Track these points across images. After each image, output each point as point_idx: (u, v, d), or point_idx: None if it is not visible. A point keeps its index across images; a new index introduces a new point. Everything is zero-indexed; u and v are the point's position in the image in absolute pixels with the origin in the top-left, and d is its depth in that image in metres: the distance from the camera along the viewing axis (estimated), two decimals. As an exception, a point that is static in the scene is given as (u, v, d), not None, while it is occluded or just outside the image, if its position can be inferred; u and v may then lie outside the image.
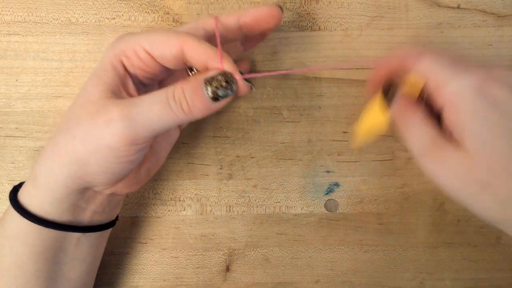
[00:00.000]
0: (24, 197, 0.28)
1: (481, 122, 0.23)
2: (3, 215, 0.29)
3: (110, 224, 0.32)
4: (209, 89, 0.25)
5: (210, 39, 0.29)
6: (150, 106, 0.25)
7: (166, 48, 0.27)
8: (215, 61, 0.26)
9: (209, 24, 0.29)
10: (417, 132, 0.26)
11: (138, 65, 0.28)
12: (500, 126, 0.23)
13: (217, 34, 0.28)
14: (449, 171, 0.25)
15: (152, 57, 0.27)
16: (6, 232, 0.28)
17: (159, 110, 0.25)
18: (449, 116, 0.24)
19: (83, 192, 0.28)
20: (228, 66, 0.26)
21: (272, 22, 0.29)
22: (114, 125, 0.25)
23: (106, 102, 0.26)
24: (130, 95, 0.28)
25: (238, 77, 0.26)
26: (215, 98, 0.26)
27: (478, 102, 0.23)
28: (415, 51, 0.27)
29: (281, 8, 0.29)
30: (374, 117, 0.30)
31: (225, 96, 0.26)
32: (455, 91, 0.24)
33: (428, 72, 0.26)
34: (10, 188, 0.36)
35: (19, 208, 0.27)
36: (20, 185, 0.30)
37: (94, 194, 0.29)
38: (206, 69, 0.27)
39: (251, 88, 0.27)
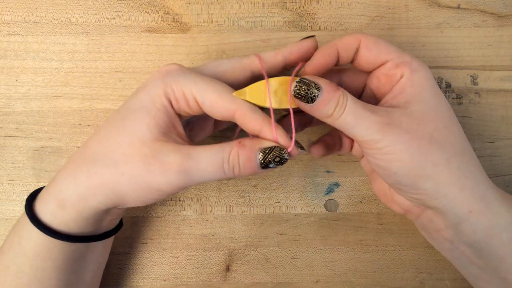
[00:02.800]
0: (44, 214, 0.28)
1: (432, 94, 0.28)
2: (16, 231, 0.29)
3: (119, 226, 0.33)
4: (262, 158, 0.27)
5: (255, 78, 0.31)
6: (207, 165, 0.27)
7: (217, 108, 0.28)
8: (268, 132, 0.28)
9: (255, 65, 0.30)
10: (358, 108, 0.27)
11: (185, 110, 0.28)
12: (441, 98, 0.29)
13: (271, 108, 0.28)
14: (400, 129, 0.27)
15: (200, 107, 0.28)
16: (25, 249, 0.28)
17: (213, 170, 0.27)
18: (403, 87, 0.28)
19: (108, 210, 0.29)
20: (282, 139, 0.27)
21: (312, 52, 0.31)
22: (170, 175, 0.26)
23: (161, 147, 0.27)
24: (179, 134, 0.29)
25: (290, 149, 0.28)
26: (265, 166, 0.28)
27: (431, 80, 0.29)
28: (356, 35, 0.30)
29: (315, 38, 0.31)
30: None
31: (274, 167, 0.28)
32: (416, 67, 0.28)
33: (388, 51, 0.29)
34: (10, 188, 0.36)
35: (43, 227, 0.27)
36: (32, 198, 0.29)
37: (115, 209, 0.30)
38: (258, 134, 0.28)
39: (302, 150, 0.29)
